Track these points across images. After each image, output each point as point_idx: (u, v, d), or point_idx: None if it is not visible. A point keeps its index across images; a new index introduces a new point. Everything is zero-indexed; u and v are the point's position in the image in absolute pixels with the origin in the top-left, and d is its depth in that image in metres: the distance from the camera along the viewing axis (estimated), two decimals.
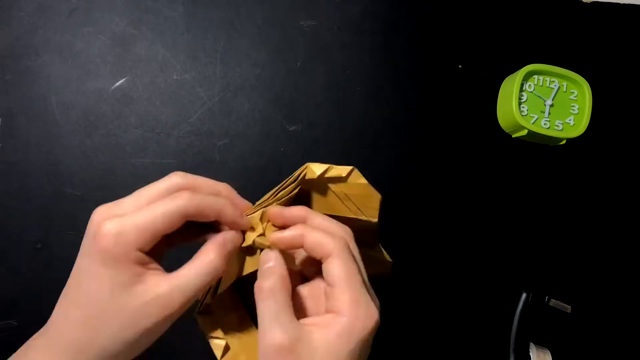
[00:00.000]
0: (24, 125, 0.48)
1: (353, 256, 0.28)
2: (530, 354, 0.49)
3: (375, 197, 0.33)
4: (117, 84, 0.50)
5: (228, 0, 0.53)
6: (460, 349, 0.50)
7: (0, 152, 0.48)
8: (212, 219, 0.28)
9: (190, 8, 0.52)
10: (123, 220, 0.26)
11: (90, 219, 0.27)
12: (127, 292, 0.25)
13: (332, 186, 0.33)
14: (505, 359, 0.50)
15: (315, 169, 0.31)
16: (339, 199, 0.34)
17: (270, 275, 0.27)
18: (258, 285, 0.27)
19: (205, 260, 0.27)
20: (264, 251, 0.29)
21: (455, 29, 0.56)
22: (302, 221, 0.29)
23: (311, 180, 0.32)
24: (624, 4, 0.58)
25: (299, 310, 0.28)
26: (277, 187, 0.32)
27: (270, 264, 0.28)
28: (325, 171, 0.32)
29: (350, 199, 0.33)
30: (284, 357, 0.25)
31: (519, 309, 0.51)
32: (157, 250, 0.27)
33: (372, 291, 0.28)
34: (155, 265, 0.27)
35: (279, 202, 0.31)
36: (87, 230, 0.27)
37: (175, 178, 0.29)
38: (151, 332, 0.26)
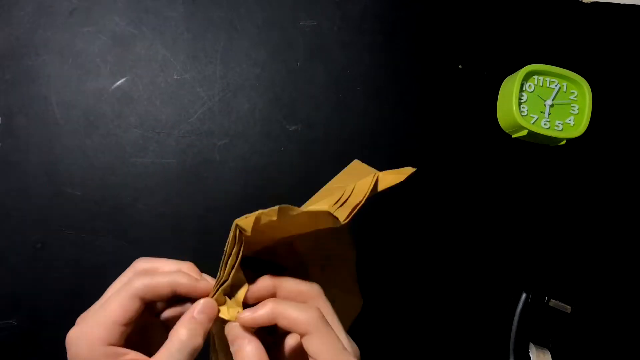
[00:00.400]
0: (24, 125, 0.48)
1: (328, 325, 0.28)
2: (530, 354, 0.49)
3: (325, 219, 0.30)
4: (117, 83, 0.50)
5: (228, 0, 0.53)
6: (460, 349, 0.50)
7: (0, 152, 0.48)
8: (169, 294, 0.28)
9: (190, 8, 0.52)
10: (83, 323, 0.27)
11: (65, 343, 0.27)
12: None
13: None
14: (505, 359, 0.50)
15: (245, 225, 0.27)
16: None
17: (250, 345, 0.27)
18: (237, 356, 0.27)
19: (176, 341, 0.27)
20: (236, 330, 0.28)
21: (455, 29, 0.56)
22: (272, 293, 0.29)
23: (250, 236, 0.28)
24: (624, 4, 0.58)
25: None
26: (224, 255, 0.29)
27: (248, 349, 0.27)
28: (257, 220, 0.28)
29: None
30: None
31: (518, 309, 0.51)
32: (141, 331, 0.28)
33: (350, 341, 0.29)
34: (132, 355, 0.27)
35: (231, 269, 0.28)
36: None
37: (138, 264, 0.29)
38: None
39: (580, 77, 0.52)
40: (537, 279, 0.52)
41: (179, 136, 0.50)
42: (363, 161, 0.53)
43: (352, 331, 0.49)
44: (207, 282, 0.29)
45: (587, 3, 0.57)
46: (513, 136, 0.54)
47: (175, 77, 0.51)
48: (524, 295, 0.51)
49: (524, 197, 0.54)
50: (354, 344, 0.29)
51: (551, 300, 0.51)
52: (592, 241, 0.54)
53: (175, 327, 0.27)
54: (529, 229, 0.53)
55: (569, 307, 0.51)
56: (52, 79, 0.49)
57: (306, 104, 0.53)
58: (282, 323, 0.28)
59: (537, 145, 0.54)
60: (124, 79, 0.51)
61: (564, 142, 0.53)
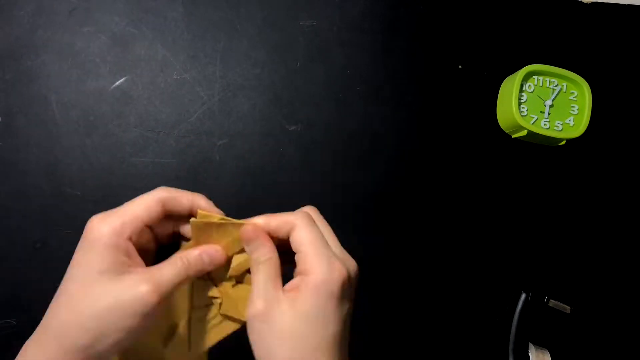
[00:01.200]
0: (23, 125, 0.48)
1: (315, 223, 0.30)
2: (530, 354, 0.49)
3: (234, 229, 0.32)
4: (117, 83, 0.50)
5: (228, 0, 0.53)
6: (460, 349, 0.50)
7: (0, 152, 0.48)
8: (188, 210, 0.30)
9: (190, 8, 0.52)
10: (109, 215, 0.28)
11: (85, 227, 0.29)
12: (113, 277, 0.27)
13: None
14: (505, 359, 0.50)
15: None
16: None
17: (259, 248, 0.30)
18: (253, 259, 0.30)
19: (189, 257, 0.30)
20: (248, 228, 0.30)
21: (455, 29, 0.56)
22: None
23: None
24: (624, 5, 0.58)
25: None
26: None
27: (259, 241, 0.30)
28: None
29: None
30: (259, 323, 0.28)
31: (518, 309, 0.51)
32: (145, 246, 0.30)
33: (343, 251, 0.31)
34: (139, 260, 0.29)
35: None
36: (81, 237, 0.29)
37: (157, 192, 0.31)
38: (131, 320, 0.27)
39: (580, 77, 0.52)
40: (536, 279, 0.52)
41: (178, 136, 0.50)
42: (363, 161, 0.53)
43: (353, 331, 0.49)
44: (220, 211, 0.31)
45: (587, 3, 0.57)
46: (513, 136, 0.54)
47: (175, 77, 0.51)
48: (523, 296, 0.51)
49: (524, 197, 0.54)
50: (350, 258, 0.31)
51: (550, 300, 0.51)
52: (592, 241, 0.54)
53: (182, 253, 0.30)
54: (528, 229, 0.53)
55: (568, 307, 0.51)
56: (51, 79, 0.49)
57: (306, 104, 0.53)
58: (273, 226, 0.30)
59: (537, 146, 0.54)
60: (123, 79, 0.51)
61: (563, 142, 0.53)
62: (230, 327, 0.32)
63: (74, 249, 0.49)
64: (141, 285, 0.26)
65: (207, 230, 0.30)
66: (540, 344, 0.50)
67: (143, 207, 0.29)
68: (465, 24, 0.56)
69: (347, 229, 0.44)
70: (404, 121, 0.54)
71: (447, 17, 0.56)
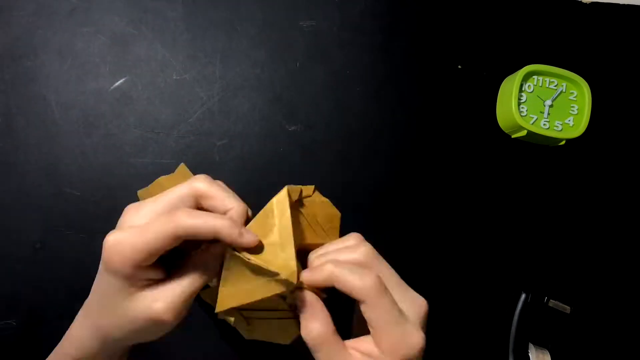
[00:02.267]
0: (23, 125, 0.48)
1: (385, 293, 0.28)
2: (530, 354, 0.49)
3: (336, 216, 0.35)
4: (117, 83, 0.50)
5: (228, 0, 0.53)
6: (460, 349, 0.50)
7: None
8: (210, 238, 0.28)
9: (190, 8, 0.52)
10: (123, 235, 0.28)
11: (104, 246, 0.29)
12: (125, 301, 0.28)
13: (302, 210, 0.33)
14: (505, 359, 0.50)
15: (292, 194, 0.31)
16: (309, 223, 0.33)
17: (316, 322, 0.29)
18: (308, 330, 0.29)
19: (197, 272, 0.29)
20: (302, 292, 0.29)
21: (455, 29, 0.56)
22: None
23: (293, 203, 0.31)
24: (624, 5, 0.58)
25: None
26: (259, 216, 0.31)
27: (315, 309, 0.29)
28: (301, 193, 0.32)
29: (318, 222, 0.34)
30: None
31: (518, 309, 0.51)
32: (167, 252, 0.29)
33: (414, 299, 0.31)
34: (157, 273, 0.29)
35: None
36: (101, 260, 0.29)
37: (197, 184, 0.30)
38: (145, 339, 0.30)
39: (579, 77, 0.52)
40: (536, 279, 0.52)
41: (178, 136, 0.50)
42: (363, 161, 0.53)
43: (352, 331, 0.48)
44: (251, 236, 0.29)
45: (586, 3, 0.57)
46: (512, 136, 0.54)
47: (174, 77, 0.51)
48: (523, 296, 0.51)
49: (524, 197, 0.54)
50: (419, 298, 0.31)
51: (550, 300, 0.51)
52: (592, 241, 0.54)
53: (203, 258, 0.30)
54: (528, 229, 0.53)
55: (568, 307, 0.51)
56: (51, 79, 0.49)
57: (306, 104, 0.53)
58: (340, 287, 0.29)
59: (537, 146, 0.54)
60: (123, 79, 0.51)
61: (563, 142, 0.53)
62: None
63: (74, 249, 0.49)
64: (156, 304, 0.28)
65: (239, 266, 0.29)
66: (540, 344, 0.50)
67: (157, 243, 0.27)
68: (465, 24, 0.56)
69: (347, 229, 0.44)
70: (404, 121, 0.54)
71: (447, 17, 0.56)
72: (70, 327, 0.33)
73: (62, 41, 0.50)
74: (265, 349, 0.47)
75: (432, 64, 0.55)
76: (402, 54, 0.55)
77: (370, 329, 0.29)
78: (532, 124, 0.52)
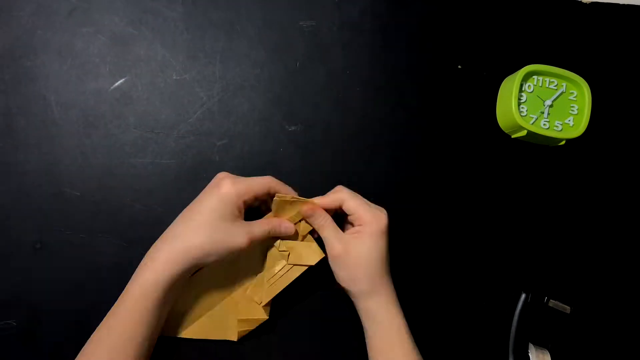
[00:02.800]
0: (23, 125, 0.48)
1: (355, 192, 0.45)
2: (530, 354, 0.49)
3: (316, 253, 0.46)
4: (117, 84, 0.50)
5: (228, 0, 0.53)
6: (460, 349, 0.50)
7: None
8: (264, 195, 0.45)
9: (190, 8, 0.52)
10: (238, 182, 0.42)
11: (216, 176, 0.43)
12: (228, 221, 0.41)
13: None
14: (505, 359, 0.50)
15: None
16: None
17: (320, 217, 0.44)
18: (317, 225, 0.45)
19: (272, 223, 0.44)
20: (308, 207, 0.45)
21: (455, 29, 0.56)
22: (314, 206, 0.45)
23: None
24: (624, 4, 0.58)
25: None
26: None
27: (318, 212, 0.44)
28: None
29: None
30: (340, 258, 0.43)
31: (518, 309, 0.51)
32: (245, 205, 0.43)
33: (376, 205, 0.45)
34: (242, 215, 0.43)
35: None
36: (211, 182, 0.43)
37: (268, 179, 0.45)
38: (229, 252, 0.41)
39: (579, 77, 0.53)
40: (536, 279, 0.52)
41: (178, 136, 0.50)
42: (363, 161, 0.53)
43: (353, 333, 0.49)
44: (293, 191, 0.46)
45: (586, 3, 0.57)
46: (512, 136, 0.54)
47: (174, 77, 0.51)
48: (523, 296, 0.51)
49: (524, 197, 0.54)
50: (381, 207, 0.45)
51: (550, 300, 0.51)
52: (592, 241, 0.54)
53: (269, 220, 0.44)
54: (528, 229, 0.53)
55: (568, 307, 0.51)
56: (51, 79, 0.49)
57: (306, 104, 0.53)
58: (328, 200, 0.45)
59: (537, 146, 0.54)
60: (123, 79, 0.51)
61: (563, 142, 0.53)
62: (294, 273, 0.45)
63: (74, 249, 0.49)
64: (242, 233, 0.41)
65: (283, 205, 0.44)
66: (540, 344, 0.50)
67: (260, 185, 0.43)
68: (465, 24, 0.56)
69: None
70: (404, 121, 0.54)
71: (447, 17, 0.56)
72: (141, 266, 0.40)
73: (62, 41, 0.50)
74: (266, 349, 0.47)
75: (432, 64, 0.55)
76: (402, 54, 0.55)
77: (352, 218, 0.44)
78: (532, 124, 0.52)
